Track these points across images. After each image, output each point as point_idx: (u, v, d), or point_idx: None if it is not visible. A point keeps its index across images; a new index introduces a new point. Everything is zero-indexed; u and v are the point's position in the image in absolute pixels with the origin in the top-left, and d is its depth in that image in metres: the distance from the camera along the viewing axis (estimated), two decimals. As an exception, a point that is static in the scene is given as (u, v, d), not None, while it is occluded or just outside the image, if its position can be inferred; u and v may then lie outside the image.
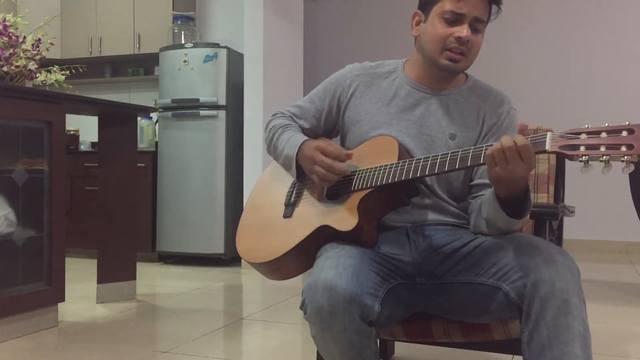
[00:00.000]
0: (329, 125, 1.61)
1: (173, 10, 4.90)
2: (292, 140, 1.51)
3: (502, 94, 1.54)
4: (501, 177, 1.20)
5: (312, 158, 1.42)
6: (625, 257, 5.05)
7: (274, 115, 1.68)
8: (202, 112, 4.43)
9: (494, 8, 1.44)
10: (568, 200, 1.82)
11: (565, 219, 1.74)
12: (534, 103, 5.47)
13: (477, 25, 1.41)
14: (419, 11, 1.49)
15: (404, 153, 1.41)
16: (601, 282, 3.90)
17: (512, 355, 2.02)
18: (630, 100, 5.29)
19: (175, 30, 4.85)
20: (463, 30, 1.39)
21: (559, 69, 5.52)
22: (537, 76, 5.58)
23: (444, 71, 1.46)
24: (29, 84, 2.79)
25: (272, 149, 1.61)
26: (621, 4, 5.33)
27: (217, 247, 4.40)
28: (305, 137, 1.52)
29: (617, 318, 2.96)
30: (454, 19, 1.39)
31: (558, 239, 1.71)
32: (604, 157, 1.07)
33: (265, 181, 1.66)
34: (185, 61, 4.47)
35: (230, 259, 4.43)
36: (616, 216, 5.14)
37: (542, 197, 1.82)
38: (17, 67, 2.67)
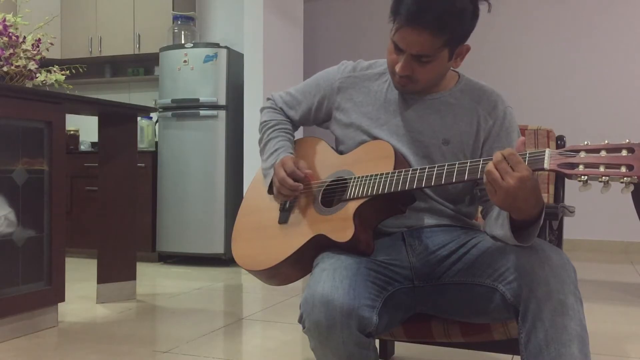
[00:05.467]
0: (318, 119, 1.63)
1: (173, 10, 4.90)
2: (275, 156, 1.55)
3: (496, 94, 1.48)
4: (501, 196, 1.15)
5: (275, 171, 1.48)
6: (625, 257, 5.05)
7: (268, 99, 1.72)
8: (202, 112, 4.43)
9: (444, 37, 1.30)
10: (568, 200, 1.82)
11: (565, 219, 1.74)
12: (536, 103, 5.47)
13: (421, 58, 1.33)
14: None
15: (400, 160, 1.39)
16: (601, 282, 3.89)
17: (512, 356, 2.02)
18: (632, 100, 5.29)
19: (175, 30, 4.85)
20: (398, 65, 1.36)
21: (562, 69, 5.52)
22: (539, 76, 5.57)
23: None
24: (29, 84, 2.79)
25: (260, 147, 1.66)
26: (626, 6, 5.33)
27: (217, 247, 4.40)
28: (287, 153, 1.55)
29: (617, 318, 2.95)
30: (398, 48, 1.35)
31: (558, 239, 1.71)
32: (604, 177, 1.05)
33: (260, 181, 1.65)
34: (185, 61, 4.47)
35: (230, 258, 4.41)
36: (616, 216, 5.14)
37: (542, 197, 1.82)
38: (17, 67, 2.67)
